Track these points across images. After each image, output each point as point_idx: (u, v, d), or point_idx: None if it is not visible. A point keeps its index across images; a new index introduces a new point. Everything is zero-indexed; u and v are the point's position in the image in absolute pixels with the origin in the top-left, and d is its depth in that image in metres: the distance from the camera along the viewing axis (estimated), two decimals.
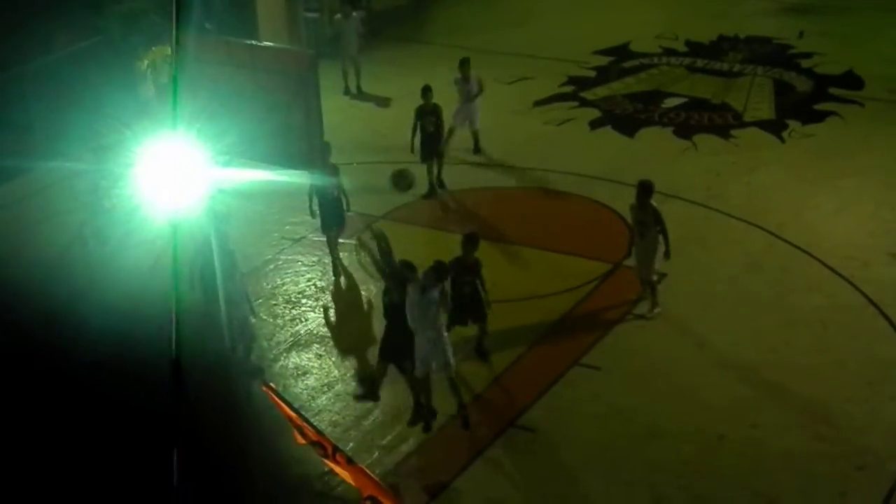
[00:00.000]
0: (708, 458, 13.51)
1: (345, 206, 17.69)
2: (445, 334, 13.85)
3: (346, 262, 17.91)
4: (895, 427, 13.86)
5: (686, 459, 13.45)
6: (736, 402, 14.44)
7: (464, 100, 21.01)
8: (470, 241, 14.99)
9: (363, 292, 17.33)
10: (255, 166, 16.89)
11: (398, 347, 14.00)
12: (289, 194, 18.67)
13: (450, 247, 18.26)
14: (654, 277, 16.32)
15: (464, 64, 20.82)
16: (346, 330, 16.60)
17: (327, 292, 17.41)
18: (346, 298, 17.36)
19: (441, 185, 20.29)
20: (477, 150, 21.57)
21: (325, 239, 17.80)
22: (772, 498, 12.81)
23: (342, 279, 17.65)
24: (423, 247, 18.40)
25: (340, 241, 17.85)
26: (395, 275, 13.79)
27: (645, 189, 16.05)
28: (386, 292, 14.14)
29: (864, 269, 17.15)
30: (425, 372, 13.94)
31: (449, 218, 19.36)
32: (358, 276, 17.74)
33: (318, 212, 17.52)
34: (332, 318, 16.87)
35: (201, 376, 11.28)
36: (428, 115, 19.82)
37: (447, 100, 20.75)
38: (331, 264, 17.76)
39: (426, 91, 19.82)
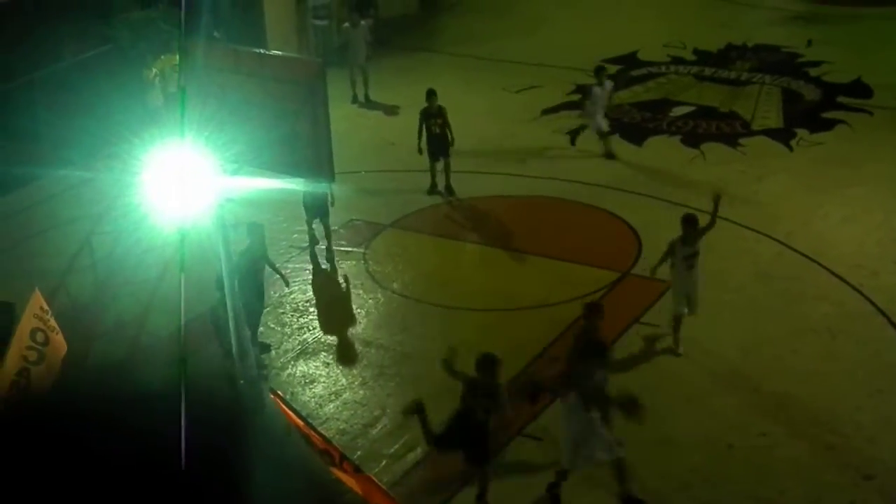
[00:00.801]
0: (716, 466, 13.48)
1: (329, 200, 18.01)
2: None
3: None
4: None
5: (694, 467, 13.43)
6: (744, 410, 14.41)
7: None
8: (485, 364, 12.59)
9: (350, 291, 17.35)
10: (262, 175, 16.92)
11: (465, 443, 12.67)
12: (296, 203, 18.71)
13: (461, 256, 18.37)
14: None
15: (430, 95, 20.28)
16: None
17: (334, 301, 17.42)
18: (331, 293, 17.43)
19: (451, 191, 20.31)
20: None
21: (337, 247, 17.89)
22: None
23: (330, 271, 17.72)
24: (432, 255, 18.47)
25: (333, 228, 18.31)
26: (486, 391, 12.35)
27: (692, 222, 15.62)
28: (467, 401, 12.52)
29: (873, 278, 17.12)
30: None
31: (457, 226, 19.36)
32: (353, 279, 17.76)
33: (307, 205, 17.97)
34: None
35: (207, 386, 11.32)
36: (433, 118, 19.89)
37: (454, 105, 20.78)
38: (326, 251, 18.17)
39: (430, 94, 19.87)
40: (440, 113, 20.02)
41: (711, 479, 13.23)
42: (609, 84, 22.24)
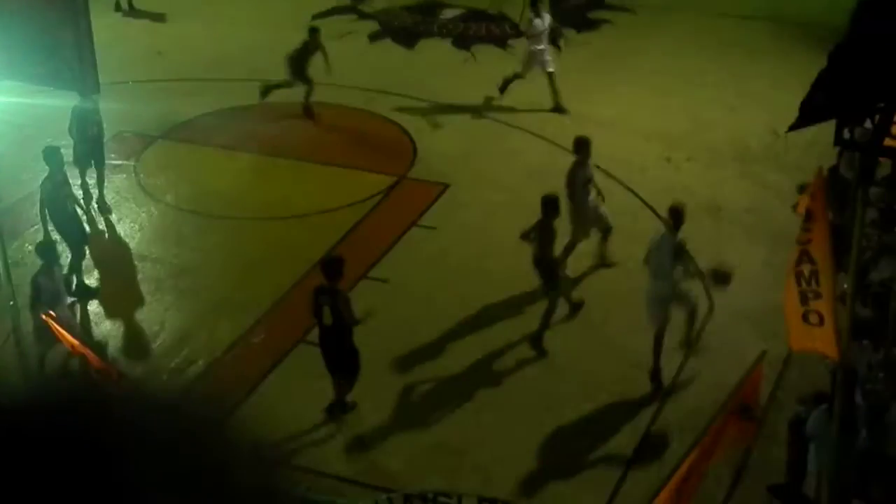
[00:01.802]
0: (500, 358, 13.78)
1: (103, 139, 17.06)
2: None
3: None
4: (671, 325, 14.34)
5: (475, 367, 13.71)
6: (521, 309, 14.73)
7: None
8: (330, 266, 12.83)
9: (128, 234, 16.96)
10: (22, 87, 16.25)
11: None
12: (61, 116, 18.03)
13: (236, 166, 18.08)
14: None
15: None
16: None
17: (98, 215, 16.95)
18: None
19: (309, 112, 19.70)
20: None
21: (106, 161, 17.27)
22: (557, 399, 13.18)
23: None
24: (206, 166, 18.13)
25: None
26: None
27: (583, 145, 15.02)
28: None
29: (641, 173, 17.65)
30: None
31: (230, 136, 19.02)
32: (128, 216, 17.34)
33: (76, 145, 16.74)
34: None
35: None
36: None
37: (218, 12, 20.25)
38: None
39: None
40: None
41: (489, 377, 13.56)
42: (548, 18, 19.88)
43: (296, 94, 20.50)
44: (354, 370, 12.86)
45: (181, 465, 1.59)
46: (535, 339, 13.93)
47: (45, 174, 15.01)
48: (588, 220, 15.39)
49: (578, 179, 15.14)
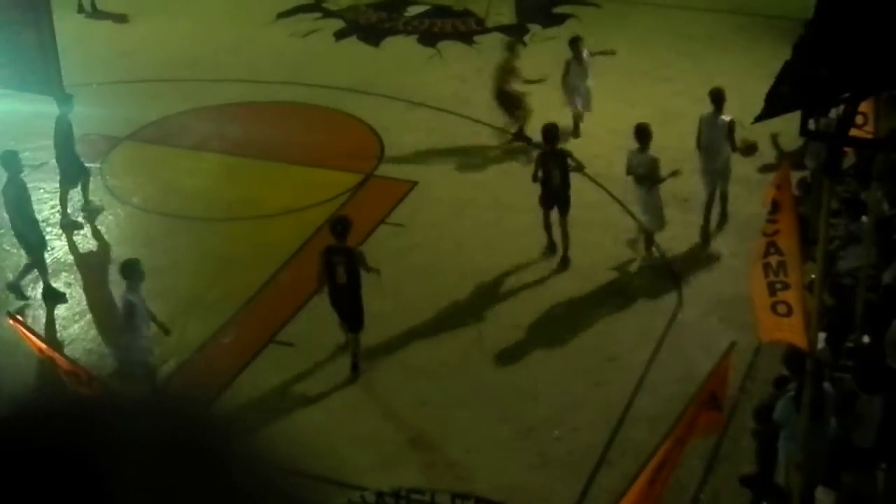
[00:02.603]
0: (465, 358, 13.81)
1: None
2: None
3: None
4: (642, 316, 14.45)
5: (444, 361, 13.72)
6: (491, 302, 14.78)
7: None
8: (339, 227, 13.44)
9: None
10: None
11: None
12: (25, 118, 17.95)
13: (203, 167, 18.01)
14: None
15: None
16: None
17: (73, 218, 16.86)
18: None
19: None
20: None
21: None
22: (529, 392, 13.22)
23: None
24: (173, 167, 18.06)
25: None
26: None
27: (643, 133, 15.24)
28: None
29: (609, 167, 17.66)
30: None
31: (196, 136, 18.95)
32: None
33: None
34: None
35: None
36: None
37: (184, 10, 20.13)
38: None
39: None
40: None
41: (461, 372, 13.56)
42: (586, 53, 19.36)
43: (261, 92, 20.46)
44: (361, 323, 13.44)
45: (170, 474, 1.56)
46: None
47: (6, 179, 14.88)
48: (654, 207, 15.50)
49: (637, 167, 15.27)
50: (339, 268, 13.13)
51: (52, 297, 15.04)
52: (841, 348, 12.02)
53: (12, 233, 15.13)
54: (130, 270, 13.01)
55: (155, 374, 12.94)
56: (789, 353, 10.82)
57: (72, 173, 16.43)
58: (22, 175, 15.20)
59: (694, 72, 20.90)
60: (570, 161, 15.67)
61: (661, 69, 20.95)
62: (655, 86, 19.87)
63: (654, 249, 15.69)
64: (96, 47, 21.50)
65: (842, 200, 14.18)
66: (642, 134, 15.23)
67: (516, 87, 18.50)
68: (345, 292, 13.27)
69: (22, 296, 15.13)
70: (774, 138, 15.97)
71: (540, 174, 15.42)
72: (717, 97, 15.66)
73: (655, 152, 15.47)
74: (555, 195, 15.46)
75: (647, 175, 15.16)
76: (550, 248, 15.74)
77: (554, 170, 15.37)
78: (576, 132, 18.59)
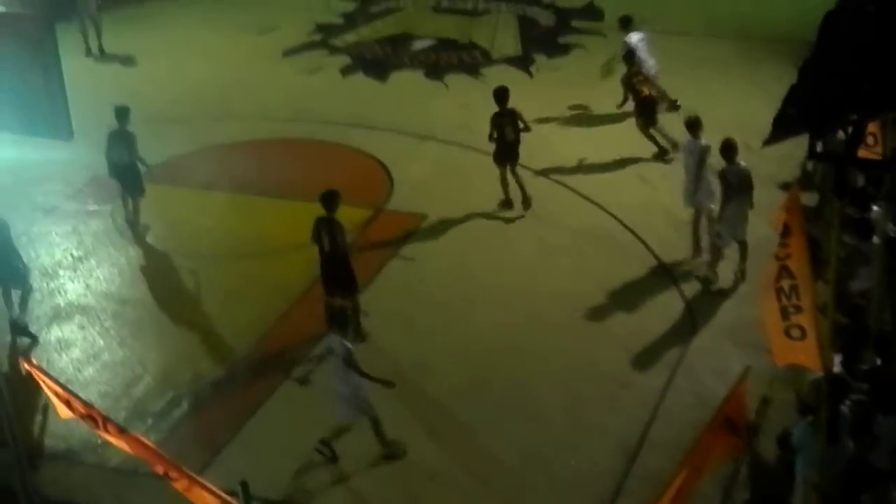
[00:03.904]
0: (476, 386, 13.78)
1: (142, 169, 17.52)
2: None
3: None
4: (655, 343, 14.42)
5: (455, 389, 13.69)
6: (503, 331, 14.75)
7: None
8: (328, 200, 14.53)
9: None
10: None
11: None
12: (36, 164, 18.07)
13: (212, 205, 18.06)
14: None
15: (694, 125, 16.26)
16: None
17: (85, 261, 16.91)
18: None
19: None
20: None
21: (82, 207, 17.43)
22: (544, 421, 13.18)
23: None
24: (183, 206, 18.12)
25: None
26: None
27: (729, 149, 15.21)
28: None
29: (617, 194, 17.71)
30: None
31: (206, 175, 19.02)
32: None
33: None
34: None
35: None
36: None
37: (193, 50, 20.22)
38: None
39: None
40: None
41: (473, 400, 13.53)
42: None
43: (268, 130, 20.54)
44: (353, 290, 14.54)
45: None
46: None
47: None
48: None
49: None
50: (325, 236, 14.34)
51: (24, 334, 15.23)
52: (856, 370, 11.97)
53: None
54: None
55: None
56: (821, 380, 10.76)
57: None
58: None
59: (697, 97, 20.93)
60: (520, 122, 17.33)
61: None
62: (660, 112, 19.85)
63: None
64: (104, 89, 21.54)
65: (852, 221, 14.18)
66: (730, 148, 15.19)
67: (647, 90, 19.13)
68: (330, 259, 14.45)
69: (27, 331, 15.25)
70: None
71: (494, 134, 17.20)
72: (692, 124, 15.83)
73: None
74: (508, 151, 17.22)
75: (740, 185, 15.13)
76: (507, 203, 17.51)
77: (507, 127, 17.12)
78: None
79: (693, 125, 15.83)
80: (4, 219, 15.22)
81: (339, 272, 14.50)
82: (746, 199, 15.24)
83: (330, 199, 14.42)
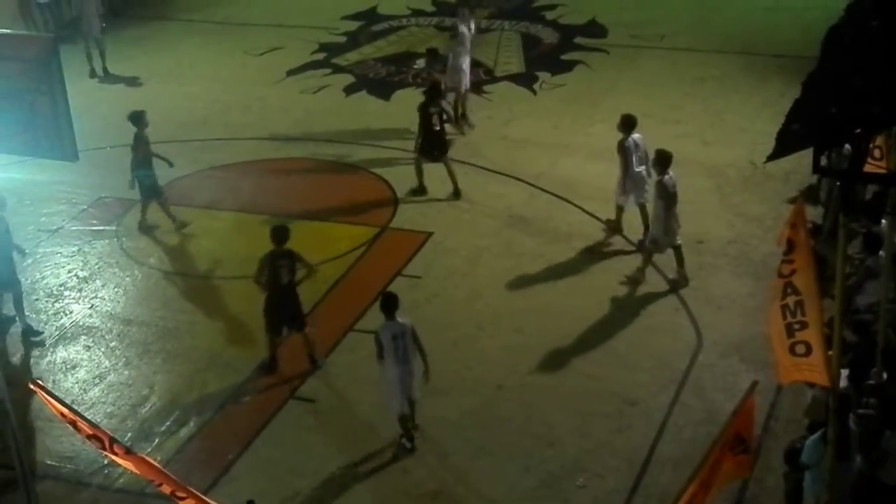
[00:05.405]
0: (487, 407, 13.76)
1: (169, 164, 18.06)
2: None
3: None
4: (662, 360, 14.39)
5: (466, 411, 13.67)
6: (510, 351, 14.74)
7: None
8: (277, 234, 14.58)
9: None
10: (1, 158, 16.28)
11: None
12: (40, 185, 18.11)
13: (218, 226, 18.07)
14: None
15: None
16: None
17: (91, 282, 16.91)
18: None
19: None
20: None
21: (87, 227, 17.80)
22: (552, 440, 13.15)
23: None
24: (191, 228, 18.11)
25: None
26: None
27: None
28: None
29: (625, 213, 17.68)
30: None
31: (211, 195, 19.02)
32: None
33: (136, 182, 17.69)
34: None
35: None
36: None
37: (196, 72, 20.28)
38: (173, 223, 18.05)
39: None
40: None
41: (483, 422, 13.50)
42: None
43: (273, 149, 20.57)
44: (304, 318, 14.66)
45: None
46: None
47: None
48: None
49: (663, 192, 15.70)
50: (283, 269, 14.25)
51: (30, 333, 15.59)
52: (864, 385, 11.94)
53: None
54: (385, 304, 13.11)
55: None
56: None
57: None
58: (5, 223, 15.50)
59: (703, 113, 20.99)
60: (444, 114, 18.91)
61: (670, 111, 21.02)
62: (665, 129, 19.90)
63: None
64: (109, 111, 21.62)
65: (859, 235, 14.18)
66: (667, 159, 15.72)
67: None
68: (288, 292, 14.38)
69: (35, 331, 15.48)
70: None
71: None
72: (625, 122, 16.82)
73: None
74: (436, 142, 18.43)
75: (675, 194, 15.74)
76: (421, 190, 18.55)
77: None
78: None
79: (626, 124, 16.74)
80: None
81: (292, 304, 14.55)
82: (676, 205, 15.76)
83: (284, 232, 14.50)
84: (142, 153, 17.62)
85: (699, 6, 26.48)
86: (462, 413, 13.65)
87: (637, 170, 16.67)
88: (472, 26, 21.70)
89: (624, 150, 16.68)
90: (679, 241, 15.88)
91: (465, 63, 20.98)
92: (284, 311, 14.49)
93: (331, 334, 15.23)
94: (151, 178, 17.73)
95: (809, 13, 24.06)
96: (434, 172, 18.72)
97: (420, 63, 23.90)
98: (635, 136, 16.74)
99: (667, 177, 15.65)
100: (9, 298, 15.77)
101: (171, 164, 17.98)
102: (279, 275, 14.24)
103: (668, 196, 15.62)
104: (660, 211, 15.72)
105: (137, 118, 17.73)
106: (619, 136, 16.83)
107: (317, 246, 17.23)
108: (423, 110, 18.43)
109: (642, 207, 16.72)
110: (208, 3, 28.70)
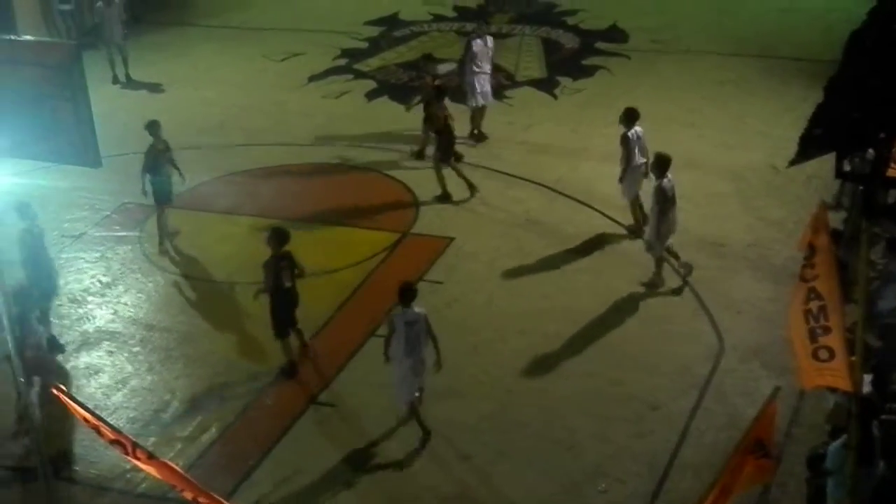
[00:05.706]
0: (505, 411, 13.74)
1: (182, 179, 17.92)
2: None
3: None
4: (682, 364, 14.37)
5: (484, 415, 13.66)
6: (530, 355, 14.72)
7: None
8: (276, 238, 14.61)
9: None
10: (24, 165, 16.35)
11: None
12: (63, 191, 18.19)
13: (239, 231, 18.12)
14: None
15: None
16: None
17: (113, 287, 16.99)
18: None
19: None
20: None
21: (110, 233, 17.87)
22: (572, 444, 13.14)
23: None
24: (209, 232, 18.18)
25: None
26: None
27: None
28: None
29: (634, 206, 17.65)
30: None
31: (232, 200, 19.08)
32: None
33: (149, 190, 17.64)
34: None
35: None
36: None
37: (216, 77, 20.36)
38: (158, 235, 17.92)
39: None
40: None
41: (502, 426, 13.49)
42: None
43: (294, 154, 20.62)
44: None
45: None
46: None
47: (24, 226, 15.39)
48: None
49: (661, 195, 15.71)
50: (285, 272, 14.38)
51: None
52: (887, 391, 11.89)
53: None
54: (403, 293, 13.35)
55: None
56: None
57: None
58: (39, 228, 15.69)
59: (722, 117, 20.95)
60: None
61: (690, 115, 21.01)
62: (685, 132, 19.88)
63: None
64: (131, 117, 21.70)
65: (882, 239, 14.13)
66: (665, 163, 15.76)
67: None
68: (290, 293, 14.54)
69: (59, 346, 15.45)
70: None
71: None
72: (628, 115, 17.05)
73: (690, 197, 15.55)
74: (451, 146, 18.70)
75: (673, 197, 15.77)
76: (445, 196, 18.65)
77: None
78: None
79: (629, 117, 16.95)
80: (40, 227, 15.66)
81: (295, 306, 14.72)
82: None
83: (284, 236, 14.57)
84: (151, 160, 17.57)
85: (713, 9, 26.47)
86: (481, 417, 13.65)
87: (638, 162, 16.84)
88: (490, 42, 20.91)
89: (627, 142, 16.81)
90: (670, 242, 15.93)
91: (477, 80, 20.44)
92: (289, 313, 14.64)
93: (351, 340, 15.25)
94: (162, 184, 17.68)
95: (830, 15, 24.01)
96: (452, 176, 18.74)
97: (441, 68, 23.93)
98: (637, 128, 16.93)
99: (665, 180, 15.60)
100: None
101: (184, 180, 17.91)
102: (282, 278, 14.37)
103: (665, 200, 15.58)
104: (655, 215, 15.70)
105: (152, 128, 17.68)
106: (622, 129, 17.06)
107: (338, 251, 17.31)
108: (432, 112, 18.81)
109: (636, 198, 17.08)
110: (225, 8, 28.82)
